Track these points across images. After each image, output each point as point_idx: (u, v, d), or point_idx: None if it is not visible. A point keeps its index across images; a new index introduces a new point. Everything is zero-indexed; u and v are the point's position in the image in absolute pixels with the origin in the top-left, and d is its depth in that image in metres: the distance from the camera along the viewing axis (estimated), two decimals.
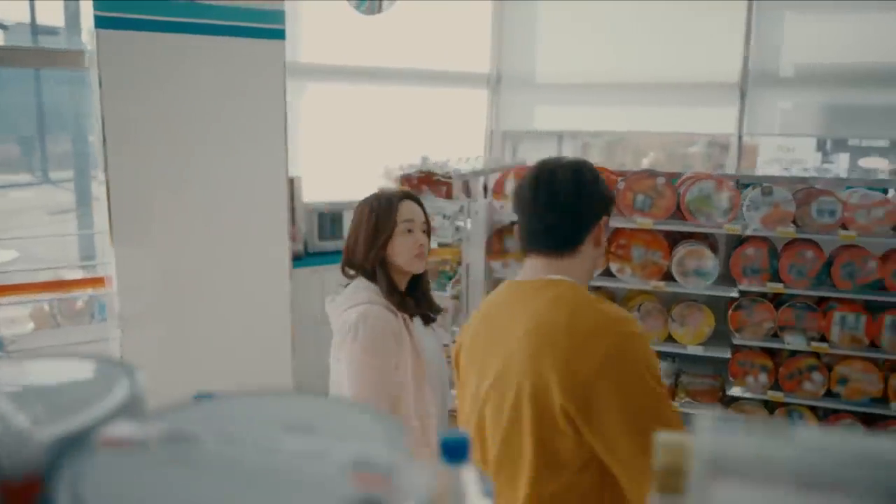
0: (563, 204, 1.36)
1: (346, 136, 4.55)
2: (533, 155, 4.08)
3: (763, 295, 2.84)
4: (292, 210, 4.17)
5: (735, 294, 2.82)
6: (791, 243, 2.80)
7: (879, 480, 0.40)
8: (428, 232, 1.86)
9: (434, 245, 3.04)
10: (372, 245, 1.78)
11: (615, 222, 2.94)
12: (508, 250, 3.03)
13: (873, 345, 2.71)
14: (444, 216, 2.87)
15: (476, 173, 3.22)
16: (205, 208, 3.27)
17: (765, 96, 4.71)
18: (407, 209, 1.83)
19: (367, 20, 4.49)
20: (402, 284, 1.83)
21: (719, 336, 2.93)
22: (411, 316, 1.83)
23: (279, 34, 3.48)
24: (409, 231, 1.80)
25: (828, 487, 0.39)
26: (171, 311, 3.20)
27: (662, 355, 2.98)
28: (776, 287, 2.76)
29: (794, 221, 2.74)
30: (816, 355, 2.80)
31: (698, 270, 2.85)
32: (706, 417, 0.49)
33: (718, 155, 5.53)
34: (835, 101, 4.70)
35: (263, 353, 3.47)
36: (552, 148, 6.09)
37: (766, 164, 4.80)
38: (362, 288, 1.77)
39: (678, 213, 2.88)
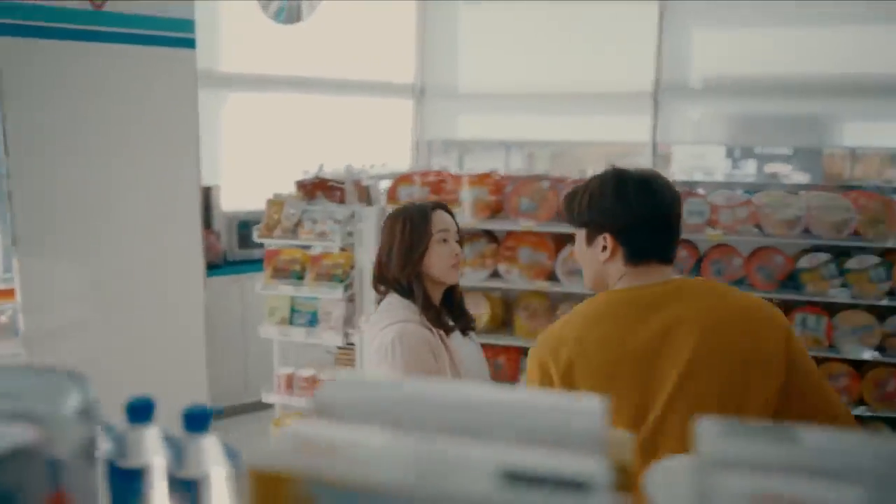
0: (677, 215, 1.41)
1: (271, 145, 4.62)
2: (480, 164, 4.17)
3: None
4: (208, 219, 4.23)
5: None
6: None
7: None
8: (461, 241, 1.79)
9: (319, 249, 3.11)
10: (408, 258, 1.71)
11: (503, 225, 3.06)
12: None
13: None
14: (336, 220, 2.95)
15: (373, 178, 3.32)
16: (113, 218, 3.30)
17: (676, 106, 4.90)
18: (440, 219, 1.75)
19: (295, 32, 4.58)
20: (437, 297, 1.76)
21: None
22: (448, 331, 1.76)
23: (189, 43, 3.54)
24: (445, 241, 1.73)
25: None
26: (79, 323, 3.22)
27: None
28: None
29: None
30: None
31: (580, 270, 2.97)
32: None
33: (662, 164, 5.71)
34: (741, 111, 4.92)
35: (177, 363, 3.49)
36: (500, 157, 6.25)
37: (682, 171, 4.99)
38: (398, 306, 1.71)
39: (563, 215, 3.00)
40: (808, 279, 2.79)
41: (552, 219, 2.99)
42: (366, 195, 3.33)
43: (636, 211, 1.35)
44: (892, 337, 2.75)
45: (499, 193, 3.08)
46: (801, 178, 4.79)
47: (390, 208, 3.12)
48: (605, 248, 1.38)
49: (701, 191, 2.99)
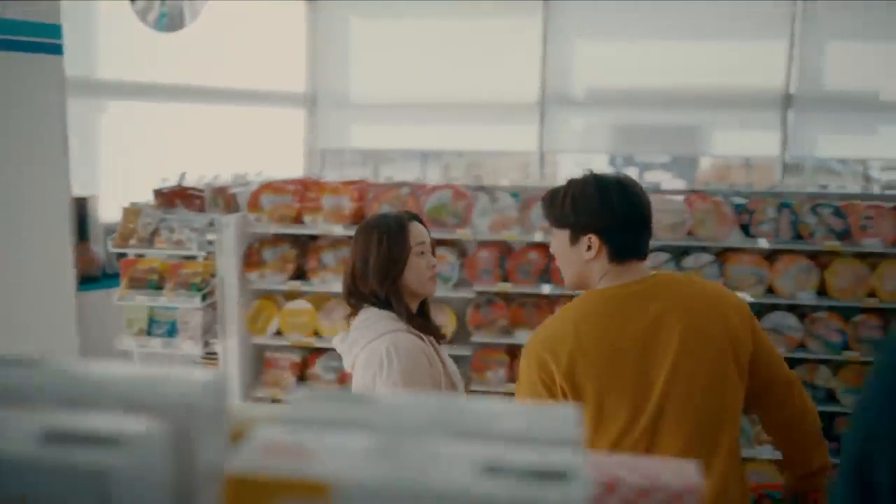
0: (650, 214, 1.51)
1: (152, 155, 4.53)
2: (398, 174, 4.17)
3: (498, 294, 3.07)
4: (84, 231, 4.11)
5: (472, 295, 3.04)
6: (515, 246, 3.06)
7: None
8: (434, 251, 1.77)
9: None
10: (388, 272, 1.67)
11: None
12: (266, 262, 3.13)
13: None
14: (193, 229, 2.93)
15: (241, 186, 3.31)
16: None
17: (561, 116, 5.07)
18: (417, 231, 1.72)
19: (182, 39, 4.51)
20: (414, 309, 1.73)
21: (463, 335, 3.13)
22: (438, 339, 1.76)
23: (56, 49, 3.45)
24: (422, 253, 1.70)
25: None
26: None
27: None
28: (505, 287, 2.99)
29: (515, 226, 3.00)
30: None
31: (440, 274, 3.04)
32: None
33: (550, 172, 5.86)
34: (622, 121, 5.14)
35: None
36: (416, 167, 6.30)
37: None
38: (380, 318, 1.67)
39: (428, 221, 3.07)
40: None
41: None
42: (233, 204, 3.32)
43: (619, 212, 1.45)
44: None
45: (361, 201, 3.12)
46: (679, 184, 5.03)
47: (251, 217, 3.12)
48: (589, 247, 1.47)
49: None
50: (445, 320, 3.09)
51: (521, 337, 3.00)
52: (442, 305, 3.11)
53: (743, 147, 5.14)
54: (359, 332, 1.68)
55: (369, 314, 1.68)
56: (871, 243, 2.80)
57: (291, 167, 4.98)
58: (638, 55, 4.98)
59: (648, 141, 5.15)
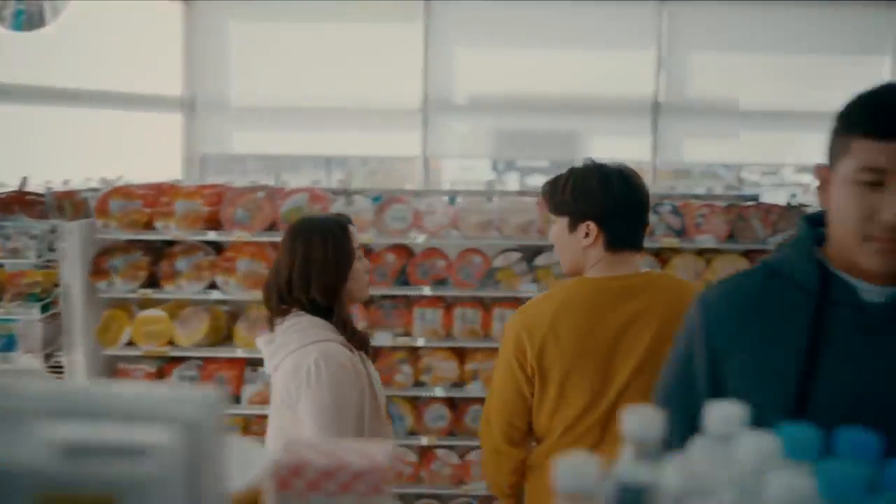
0: (648, 205, 1.55)
1: (15, 160, 4.28)
2: (301, 180, 4.05)
3: None
4: None
5: None
6: (372, 248, 3.07)
7: None
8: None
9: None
10: (334, 277, 1.61)
11: (218, 237, 3.04)
12: (115, 269, 3.01)
13: (449, 335, 3.03)
14: (32, 236, 2.79)
15: (91, 191, 3.18)
16: None
17: (443, 122, 5.14)
18: (354, 233, 1.68)
19: (51, 39, 4.28)
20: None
21: None
22: (367, 353, 1.71)
23: None
24: (359, 258, 1.67)
25: None
26: None
27: (258, 363, 3.10)
28: None
29: (371, 228, 3.01)
30: (404, 349, 3.06)
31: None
32: None
33: (434, 178, 5.90)
34: (504, 127, 5.26)
35: None
36: (321, 173, 6.20)
37: (451, 184, 5.24)
38: (311, 325, 1.60)
39: (282, 225, 3.03)
40: (503, 277, 3.01)
41: (267, 229, 3.01)
42: (84, 209, 3.18)
43: (619, 200, 1.50)
44: None
45: (217, 205, 3.06)
46: None
47: (99, 223, 3.00)
48: (587, 234, 1.51)
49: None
50: None
51: (381, 339, 3.01)
52: None
53: (618, 152, 5.36)
54: (287, 336, 1.61)
55: (300, 320, 1.61)
56: (703, 239, 2.98)
57: (169, 173, 4.82)
58: (518, 62, 5.12)
59: (529, 146, 5.29)
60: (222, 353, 3.09)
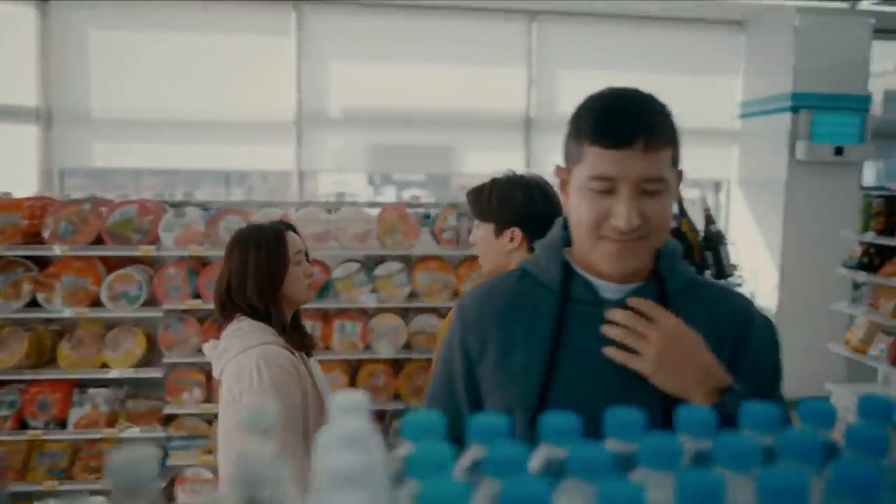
0: (562, 212, 1.61)
1: None
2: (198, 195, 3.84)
3: (190, 311, 2.97)
4: None
5: (161, 314, 2.91)
6: (208, 260, 2.98)
7: None
8: (308, 258, 1.77)
9: None
10: (268, 283, 1.65)
11: (40, 251, 2.88)
12: None
13: (327, 348, 2.97)
14: None
15: None
16: None
17: (318, 135, 5.10)
18: (293, 240, 1.72)
19: None
20: (289, 319, 1.72)
21: (155, 356, 2.99)
22: (309, 354, 1.75)
23: None
24: (299, 262, 1.71)
25: None
26: None
27: (98, 383, 2.96)
28: (196, 304, 2.90)
29: (204, 240, 2.93)
30: None
31: (126, 294, 2.89)
32: None
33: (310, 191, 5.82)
34: (380, 140, 5.26)
35: None
36: (220, 189, 5.97)
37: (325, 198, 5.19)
38: (252, 329, 1.64)
39: (109, 238, 2.91)
40: (342, 287, 2.98)
41: (93, 242, 2.88)
42: None
43: (540, 208, 1.62)
44: (416, 335, 3.03)
45: (38, 218, 2.90)
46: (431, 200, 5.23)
47: None
48: (512, 239, 1.64)
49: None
50: (134, 342, 2.93)
51: None
52: (130, 327, 2.95)
53: (492, 166, 5.43)
54: (230, 342, 1.66)
55: (241, 325, 1.66)
56: None
57: (26, 188, 4.56)
58: (392, 76, 5.15)
59: (405, 160, 5.32)
60: (46, 374, 2.91)
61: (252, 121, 5.02)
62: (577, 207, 1.00)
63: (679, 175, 1.04)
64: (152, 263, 3.03)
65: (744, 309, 1.06)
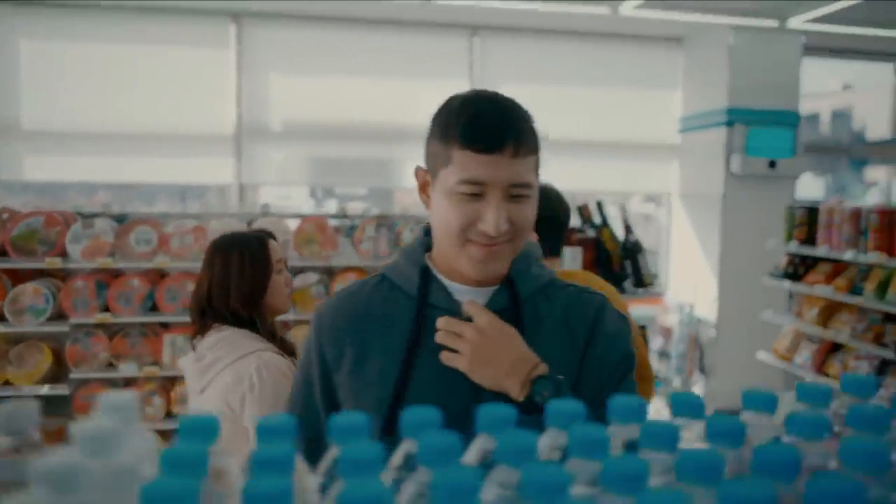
0: (567, 216, 1.86)
1: None
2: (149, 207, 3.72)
3: (99, 326, 2.88)
4: None
5: (67, 328, 2.82)
6: (118, 273, 2.90)
7: None
8: (287, 267, 1.76)
9: None
10: (254, 290, 1.63)
11: None
12: None
13: None
14: None
15: None
16: None
17: (259, 149, 5.04)
18: (275, 248, 1.70)
19: None
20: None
21: (62, 371, 2.89)
22: (294, 357, 1.70)
23: None
24: (280, 271, 1.69)
25: None
26: None
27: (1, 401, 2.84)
28: (105, 317, 2.82)
29: (113, 252, 2.85)
30: (154, 379, 2.90)
31: (32, 307, 2.79)
32: None
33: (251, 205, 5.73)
34: (322, 154, 5.23)
35: None
36: (176, 203, 5.85)
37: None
38: (240, 336, 1.61)
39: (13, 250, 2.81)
40: None
41: None
42: None
43: (543, 213, 1.55)
44: None
45: None
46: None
47: None
48: None
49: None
50: (40, 357, 2.83)
51: (126, 370, 2.83)
52: (36, 342, 2.85)
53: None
54: (218, 351, 1.61)
55: (225, 334, 1.62)
56: None
57: None
58: (334, 89, 5.12)
59: (346, 173, 5.28)
60: None
61: (191, 134, 4.95)
62: (443, 211, 0.98)
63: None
64: (63, 276, 2.94)
65: (596, 306, 1.07)
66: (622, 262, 2.92)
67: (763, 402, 0.60)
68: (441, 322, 0.99)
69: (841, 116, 13.61)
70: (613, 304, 1.10)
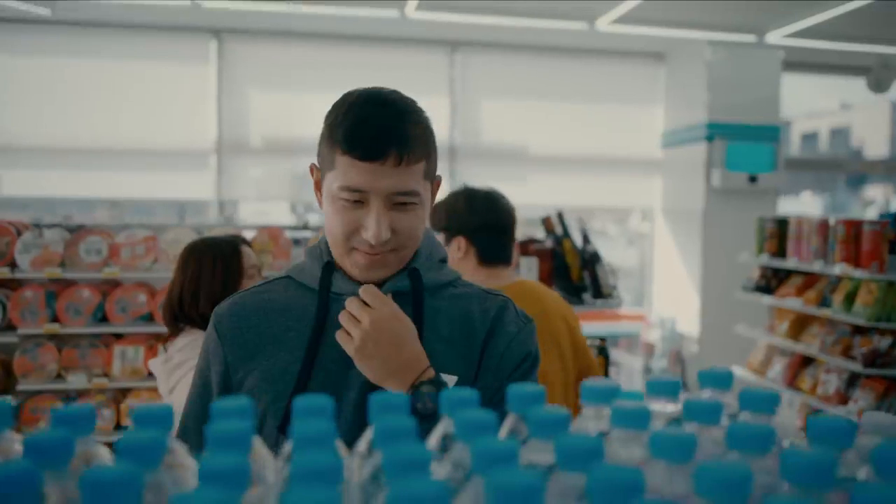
0: (514, 223, 1.75)
1: None
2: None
3: (48, 337, 2.85)
4: None
5: (16, 339, 2.80)
6: (68, 283, 2.88)
7: None
8: (261, 273, 1.79)
9: None
10: (221, 295, 1.58)
11: None
12: None
13: (150, 375, 2.85)
14: None
15: None
16: None
17: (238, 164, 5.05)
18: (248, 254, 1.74)
19: None
20: None
21: (12, 384, 2.86)
22: None
23: None
24: (252, 276, 1.72)
25: None
26: None
27: None
28: (54, 328, 2.79)
29: (63, 262, 2.83)
30: (104, 391, 2.86)
31: None
32: None
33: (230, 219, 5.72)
34: (302, 169, 5.23)
35: None
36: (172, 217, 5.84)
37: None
38: None
39: None
40: None
41: None
42: None
43: (484, 218, 1.68)
44: None
45: None
46: None
47: None
48: (459, 248, 1.69)
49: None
50: None
51: (76, 381, 2.79)
52: None
53: None
54: (185, 354, 1.63)
55: (195, 336, 1.64)
56: None
57: None
58: (315, 106, 5.13)
59: None
60: None
61: (171, 149, 4.97)
62: (329, 216, 0.97)
63: (436, 184, 1.03)
64: (12, 286, 2.92)
65: (498, 308, 1.05)
66: (581, 272, 2.87)
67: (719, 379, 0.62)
68: (348, 302, 0.97)
69: (839, 134, 13.55)
70: (523, 309, 1.09)
